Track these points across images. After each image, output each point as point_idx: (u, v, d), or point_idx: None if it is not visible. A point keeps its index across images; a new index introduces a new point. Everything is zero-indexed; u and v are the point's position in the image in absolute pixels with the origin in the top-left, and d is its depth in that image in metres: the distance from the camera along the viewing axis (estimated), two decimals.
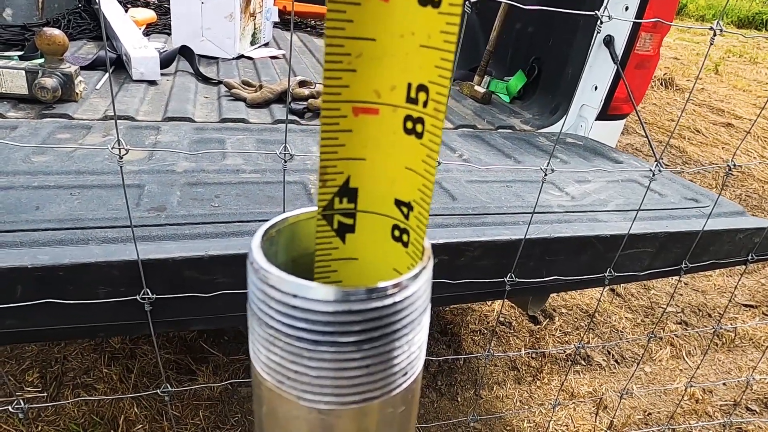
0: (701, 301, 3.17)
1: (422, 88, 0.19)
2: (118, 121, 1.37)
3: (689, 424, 2.23)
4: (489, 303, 2.80)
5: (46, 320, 0.78)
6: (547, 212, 1.13)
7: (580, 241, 1.05)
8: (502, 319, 2.70)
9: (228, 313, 0.87)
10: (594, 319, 2.82)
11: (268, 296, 0.21)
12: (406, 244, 0.23)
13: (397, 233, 0.23)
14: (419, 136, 0.20)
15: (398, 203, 0.22)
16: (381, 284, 0.19)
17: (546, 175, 0.88)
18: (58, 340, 0.79)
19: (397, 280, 0.20)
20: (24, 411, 0.83)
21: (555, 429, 2.11)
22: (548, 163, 0.88)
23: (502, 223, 1.06)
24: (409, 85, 0.20)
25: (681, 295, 3.20)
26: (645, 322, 2.88)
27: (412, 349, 0.22)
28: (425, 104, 0.20)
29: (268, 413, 0.24)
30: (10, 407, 0.76)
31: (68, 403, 1.92)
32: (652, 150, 1.57)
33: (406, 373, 0.22)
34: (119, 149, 0.70)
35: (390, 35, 0.19)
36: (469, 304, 2.79)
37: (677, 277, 3.36)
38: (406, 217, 0.22)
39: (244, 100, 1.72)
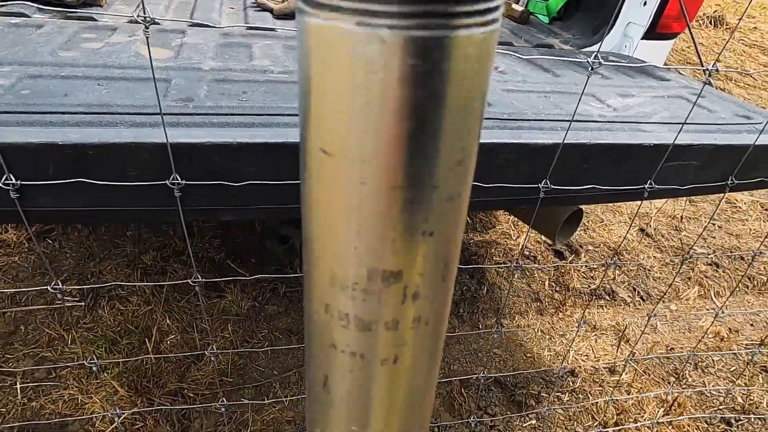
0: (734, 244, 3.08)
1: None
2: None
3: (712, 359, 2.22)
4: (514, 237, 2.78)
5: (79, 201, 0.79)
6: (587, 120, 1.08)
7: (621, 150, 0.99)
8: (527, 253, 2.68)
9: (256, 204, 0.86)
10: (621, 257, 2.78)
11: None
12: None
13: None
14: None
15: None
16: None
17: (592, 68, 0.83)
18: (90, 223, 0.80)
19: None
20: (61, 290, 0.85)
21: (576, 358, 2.13)
22: (595, 55, 0.82)
23: (539, 128, 1.01)
24: None
25: (714, 237, 3.11)
26: (674, 263, 2.82)
27: None
28: None
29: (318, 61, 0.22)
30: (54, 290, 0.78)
31: (105, 313, 2.01)
32: (701, 62, 1.46)
33: None
34: (145, 17, 0.67)
35: None
36: (493, 239, 2.77)
37: (710, 220, 3.23)
38: None
39: (270, 11, 1.66)
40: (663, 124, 1.12)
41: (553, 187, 0.97)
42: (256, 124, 0.87)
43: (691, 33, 1.51)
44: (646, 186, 1.04)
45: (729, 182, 1.10)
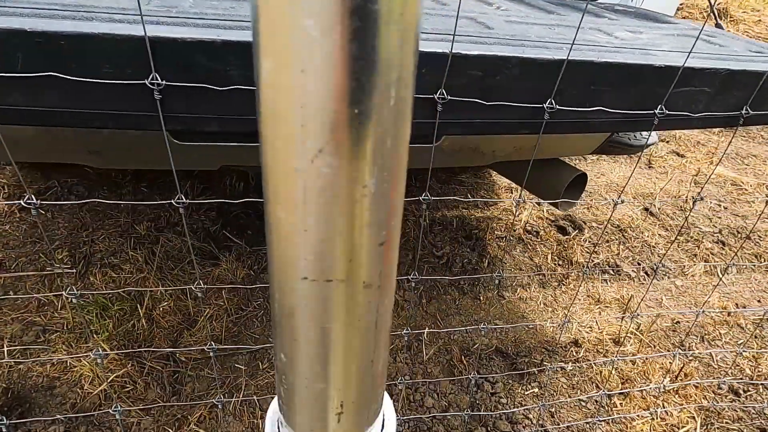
0: (741, 224, 3.02)
1: None
2: None
3: (719, 332, 2.16)
4: (516, 213, 2.73)
5: (53, 100, 0.74)
6: (595, 45, 1.03)
7: (629, 70, 0.94)
8: (529, 228, 2.62)
9: (243, 114, 0.81)
10: (625, 234, 2.72)
11: None
12: None
13: None
14: None
15: None
16: None
17: None
18: (66, 125, 0.75)
19: None
20: (35, 206, 0.80)
21: (579, 330, 2.07)
22: None
23: (544, 47, 0.96)
24: None
25: (719, 217, 3.05)
26: (679, 240, 2.76)
27: None
28: None
29: None
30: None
31: (97, 279, 1.96)
32: (714, 15, 1.41)
33: None
34: None
35: None
36: (495, 215, 2.71)
37: (716, 201, 3.16)
38: None
39: None
40: (673, 52, 1.06)
41: (558, 107, 0.92)
42: (245, 27, 0.82)
43: None
44: (656, 111, 0.98)
45: (743, 112, 1.04)
